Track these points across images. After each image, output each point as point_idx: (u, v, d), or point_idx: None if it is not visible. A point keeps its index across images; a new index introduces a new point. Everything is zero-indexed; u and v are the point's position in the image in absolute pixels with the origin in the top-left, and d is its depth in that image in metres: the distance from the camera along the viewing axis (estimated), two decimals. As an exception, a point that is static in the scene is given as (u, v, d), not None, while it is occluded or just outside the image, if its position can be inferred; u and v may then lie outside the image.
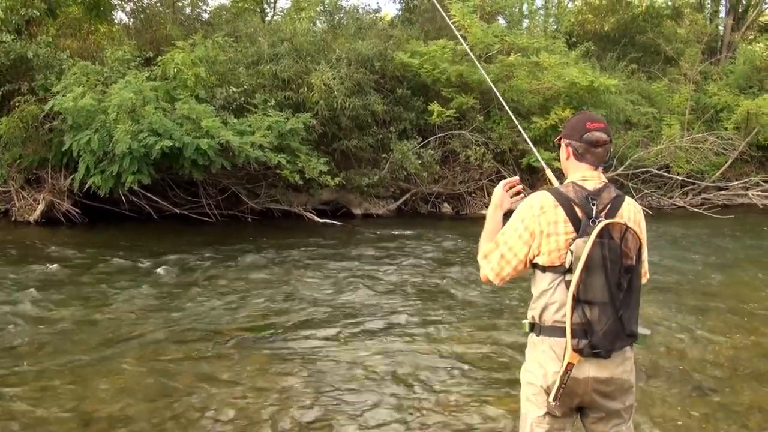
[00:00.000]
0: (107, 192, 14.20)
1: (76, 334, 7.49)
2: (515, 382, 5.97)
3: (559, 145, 3.36)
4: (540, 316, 3.13)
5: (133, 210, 15.51)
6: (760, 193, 21.57)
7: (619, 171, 19.31)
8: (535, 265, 3.17)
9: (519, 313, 8.49)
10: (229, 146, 14.24)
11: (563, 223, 3.06)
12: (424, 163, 17.64)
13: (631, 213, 3.15)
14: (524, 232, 3.14)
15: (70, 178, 14.77)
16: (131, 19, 22.20)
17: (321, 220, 16.17)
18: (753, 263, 12.41)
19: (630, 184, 19.50)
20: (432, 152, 18.01)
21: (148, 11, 21.75)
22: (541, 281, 3.14)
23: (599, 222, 2.97)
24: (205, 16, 23.66)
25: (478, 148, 18.16)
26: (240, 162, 14.65)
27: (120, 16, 22.36)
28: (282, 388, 5.99)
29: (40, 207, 14.96)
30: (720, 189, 21.64)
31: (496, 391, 5.95)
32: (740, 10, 31.33)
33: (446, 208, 18.88)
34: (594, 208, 3.06)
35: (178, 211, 15.76)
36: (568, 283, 2.99)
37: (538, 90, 18.90)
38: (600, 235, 2.92)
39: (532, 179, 19.28)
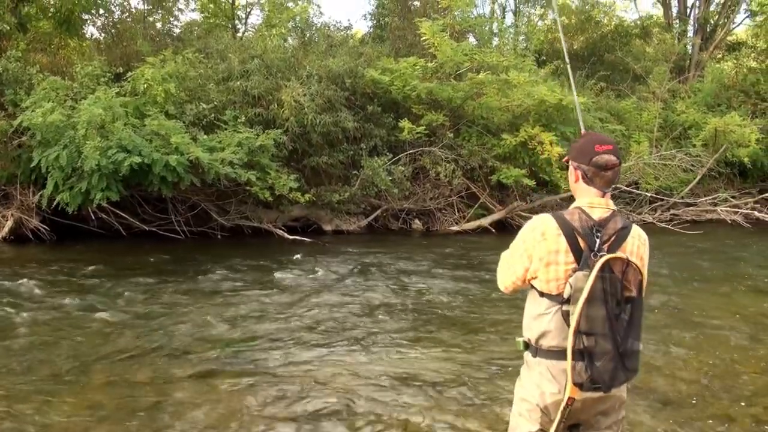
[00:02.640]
0: (76, 209, 14.11)
1: (40, 354, 7.41)
2: (493, 399, 6.03)
3: (567, 166, 3.33)
4: (536, 340, 3.13)
5: (101, 227, 15.42)
6: (728, 208, 21.81)
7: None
8: (532, 286, 3.18)
9: (493, 330, 8.56)
10: (198, 163, 14.21)
11: (564, 253, 3.05)
12: (395, 179, 17.70)
13: (635, 246, 3.13)
14: (524, 253, 3.17)
15: (39, 194, 14.65)
16: (102, 34, 22.22)
17: (291, 237, 16.12)
18: (721, 278, 12.55)
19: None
20: (402, 169, 18.06)
21: (119, 26, 21.74)
22: (538, 305, 3.15)
23: (601, 256, 2.96)
24: (176, 31, 23.72)
25: (448, 164, 18.25)
26: (210, 178, 14.61)
27: (91, 31, 22.36)
28: (250, 407, 5.96)
29: (9, 224, 14.82)
30: (689, 205, 21.89)
31: (475, 408, 5.95)
32: (708, 30, 31.74)
33: (417, 224, 18.93)
34: (597, 240, 3.03)
35: (147, 228, 15.67)
36: (564, 313, 3.00)
37: (508, 107, 19.04)
38: (601, 269, 2.92)
39: (502, 195, 19.40)
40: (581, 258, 3.02)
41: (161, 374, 6.77)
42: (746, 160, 22.19)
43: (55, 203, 14.19)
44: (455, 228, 18.45)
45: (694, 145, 22.67)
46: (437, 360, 7.33)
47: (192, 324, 8.76)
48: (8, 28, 16.70)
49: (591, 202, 3.16)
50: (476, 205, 18.99)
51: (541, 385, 3.11)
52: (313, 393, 6.30)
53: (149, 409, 5.87)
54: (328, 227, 17.84)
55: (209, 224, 16.51)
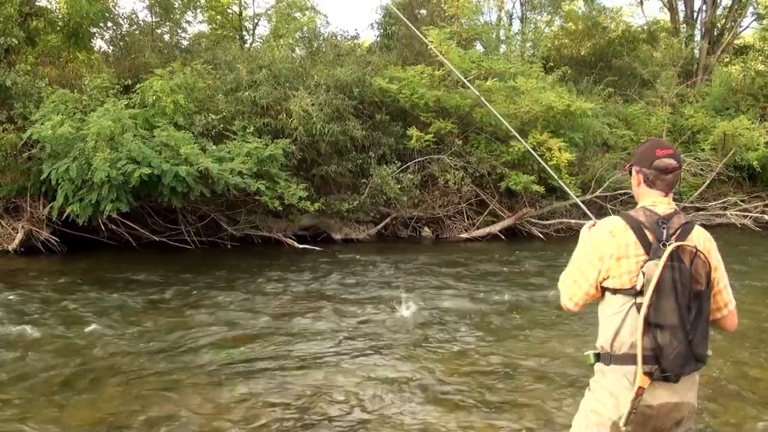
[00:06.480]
0: (86, 220, 14.14)
1: (51, 363, 7.44)
2: (497, 409, 6.03)
3: (630, 172, 3.39)
4: (611, 344, 3.10)
5: (112, 238, 15.46)
6: (738, 212, 21.80)
7: (598, 193, 19.44)
8: (605, 289, 3.17)
9: (504, 346, 8.56)
10: (208, 173, 14.24)
11: (634, 245, 3.08)
12: (404, 187, 17.70)
13: (701, 240, 3.16)
14: (593, 256, 3.16)
15: (49, 206, 14.69)
16: (110, 47, 22.24)
17: (301, 246, 16.13)
18: (733, 282, 12.46)
19: (609, 206, 19.61)
20: (411, 177, 18.07)
21: (127, 39, 21.78)
22: (611, 305, 3.13)
23: (670, 244, 2.99)
24: (184, 43, 23.78)
25: (456, 172, 18.25)
26: (219, 189, 14.63)
27: (99, 44, 22.35)
28: (258, 415, 5.98)
29: (19, 236, 14.88)
30: (698, 209, 21.85)
31: (482, 417, 5.96)
32: (715, 34, 31.72)
33: (426, 232, 18.91)
34: (664, 231, 3.08)
35: (157, 239, 15.70)
36: (638, 307, 2.98)
37: (516, 114, 18.97)
38: (670, 257, 2.94)
39: (511, 202, 19.38)
40: (650, 249, 3.04)
41: (174, 384, 6.79)
42: (755, 163, 22.18)
43: (65, 215, 14.24)
44: (465, 235, 18.43)
45: (703, 150, 22.71)
46: (454, 369, 7.34)
47: (203, 333, 8.76)
48: (17, 42, 16.73)
49: (654, 201, 3.22)
50: (485, 212, 18.97)
51: (616, 394, 3.06)
52: (325, 401, 6.31)
53: (162, 419, 5.88)
54: (337, 236, 17.85)
55: (219, 234, 16.56)
